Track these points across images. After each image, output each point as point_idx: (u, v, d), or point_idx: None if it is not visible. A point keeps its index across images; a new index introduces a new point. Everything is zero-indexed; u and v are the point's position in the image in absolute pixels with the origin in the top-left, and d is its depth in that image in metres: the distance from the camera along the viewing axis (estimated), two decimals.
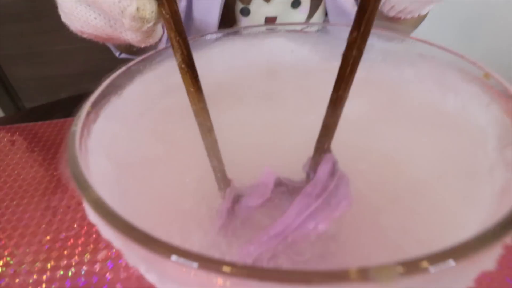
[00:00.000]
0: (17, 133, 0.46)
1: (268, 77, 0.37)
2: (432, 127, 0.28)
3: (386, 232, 0.20)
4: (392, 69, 0.33)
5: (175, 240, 0.19)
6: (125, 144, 0.26)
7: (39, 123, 0.48)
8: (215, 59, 0.36)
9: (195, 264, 0.12)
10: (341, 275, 0.11)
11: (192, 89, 0.23)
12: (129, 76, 0.29)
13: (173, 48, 0.24)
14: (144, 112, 0.30)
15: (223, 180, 0.24)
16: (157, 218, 0.21)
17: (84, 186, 0.15)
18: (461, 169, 0.23)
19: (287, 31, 0.37)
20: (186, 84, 0.23)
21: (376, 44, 0.33)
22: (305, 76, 0.37)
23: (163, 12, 0.22)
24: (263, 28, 0.37)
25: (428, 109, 0.29)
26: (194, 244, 0.20)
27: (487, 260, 0.15)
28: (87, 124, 0.22)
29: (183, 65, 0.24)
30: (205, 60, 0.36)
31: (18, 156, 0.41)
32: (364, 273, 0.11)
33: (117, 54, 0.53)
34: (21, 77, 1.57)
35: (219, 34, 0.35)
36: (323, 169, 0.20)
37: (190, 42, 0.28)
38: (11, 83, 1.58)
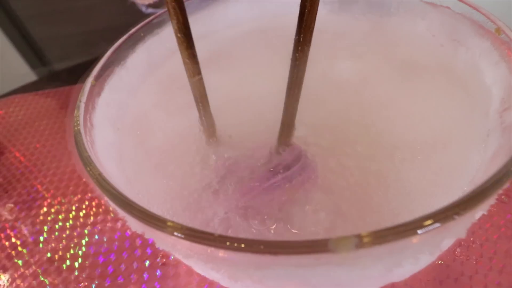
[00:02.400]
0: (48, 98, 0.49)
1: (273, 34, 0.36)
2: (441, 85, 0.26)
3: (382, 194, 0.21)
4: (404, 21, 0.31)
5: (168, 189, 0.21)
6: (131, 112, 0.28)
7: (68, 87, 0.51)
8: (217, 18, 0.35)
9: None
10: (301, 246, 0.12)
11: (187, 61, 0.23)
12: (131, 44, 0.29)
13: (169, 14, 0.23)
14: (148, 78, 0.31)
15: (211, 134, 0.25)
16: (157, 179, 0.23)
17: (88, 165, 0.17)
18: (459, 132, 0.22)
19: None
20: (182, 55, 0.24)
21: None
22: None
23: None
24: None
25: (438, 65, 0.27)
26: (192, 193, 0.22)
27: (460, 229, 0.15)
28: (91, 99, 0.23)
29: (179, 34, 0.24)
30: (207, 20, 0.35)
31: (45, 122, 0.45)
32: (323, 244, 0.12)
33: (143, 9, 0.53)
34: (45, 36, 1.60)
35: None
36: (287, 157, 0.21)
37: (189, 3, 0.27)
38: (38, 43, 1.62)
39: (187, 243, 0.14)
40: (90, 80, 0.24)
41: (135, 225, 0.17)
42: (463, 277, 0.23)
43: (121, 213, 0.17)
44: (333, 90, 0.27)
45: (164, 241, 0.16)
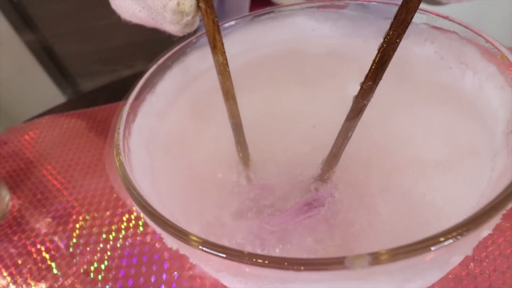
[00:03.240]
0: (76, 118, 0.53)
1: (290, 57, 0.38)
2: (450, 106, 0.28)
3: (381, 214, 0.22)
4: (414, 44, 0.32)
5: (207, 211, 0.23)
6: (161, 135, 0.30)
7: (96, 108, 0.55)
8: (236, 44, 0.38)
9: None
10: (321, 263, 0.14)
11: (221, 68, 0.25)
12: (159, 73, 0.32)
13: (209, 40, 0.25)
14: (175, 103, 0.33)
15: (243, 154, 0.27)
16: (190, 194, 0.25)
17: (130, 189, 0.19)
18: (468, 152, 0.24)
19: (307, 8, 0.38)
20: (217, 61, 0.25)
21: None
22: (327, 54, 0.37)
23: (201, 5, 0.24)
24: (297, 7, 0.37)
25: (446, 87, 0.29)
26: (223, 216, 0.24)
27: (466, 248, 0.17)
28: (127, 125, 0.26)
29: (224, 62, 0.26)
30: (226, 47, 0.38)
31: (77, 141, 0.48)
32: (340, 262, 0.14)
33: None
34: (69, 53, 1.68)
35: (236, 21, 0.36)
36: (323, 193, 0.23)
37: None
38: (62, 60, 1.70)
39: (219, 260, 0.16)
40: (126, 108, 0.27)
41: (171, 242, 0.19)
42: None
43: (158, 230, 0.19)
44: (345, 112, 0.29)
45: (197, 257, 0.18)
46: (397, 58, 0.32)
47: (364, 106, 0.21)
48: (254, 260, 0.15)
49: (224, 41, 0.38)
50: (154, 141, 0.29)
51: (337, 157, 0.24)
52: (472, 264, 0.25)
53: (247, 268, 0.16)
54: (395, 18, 0.18)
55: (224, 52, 0.24)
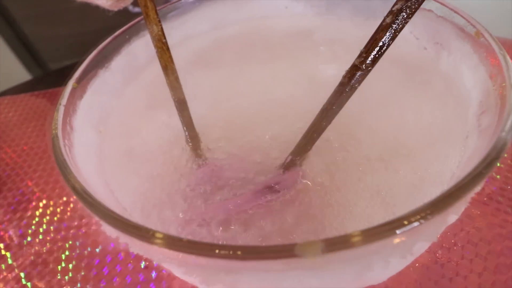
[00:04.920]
0: (38, 99, 0.49)
1: (261, 36, 0.36)
2: (424, 88, 0.27)
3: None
4: None
5: (146, 192, 0.21)
6: (115, 115, 0.27)
7: (61, 88, 0.51)
8: (205, 19, 0.35)
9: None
10: (269, 251, 0.12)
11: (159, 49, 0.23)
12: (116, 46, 0.29)
13: (141, 8, 0.23)
14: (134, 81, 0.31)
15: (190, 133, 0.25)
16: (140, 177, 0.23)
17: (63, 169, 0.17)
18: (442, 134, 0.22)
19: None
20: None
21: None
22: (299, 33, 0.35)
23: None
24: None
25: (421, 68, 0.28)
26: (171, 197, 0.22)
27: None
28: (72, 101, 0.23)
29: (159, 33, 0.24)
30: (194, 21, 0.35)
31: (40, 122, 0.44)
32: (290, 249, 0.12)
33: (130, 8, 0.53)
34: (41, 37, 1.59)
35: None
36: (286, 179, 0.21)
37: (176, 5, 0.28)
38: (33, 43, 1.61)
39: (158, 249, 0.14)
40: (71, 83, 0.24)
41: (109, 230, 0.17)
42: (444, 279, 0.23)
43: (95, 218, 0.17)
44: (317, 92, 0.27)
45: (137, 246, 0.16)
46: (368, 38, 0.30)
47: (354, 90, 0.19)
48: (194, 248, 0.13)
49: (191, 17, 0.36)
50: (106, 121, 0.26)
51: (312, 142, 0.22)
52: (440, 252, 0.24)
53: (187, 258, 0.14)
54: None
55: (159, 21, 0.22)
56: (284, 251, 0.12)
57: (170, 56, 0.23)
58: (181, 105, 0.24)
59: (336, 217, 0.19)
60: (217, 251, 0.13)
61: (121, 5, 0.26)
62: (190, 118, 0.24)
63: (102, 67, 0.28)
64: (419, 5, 0.17)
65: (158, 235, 0.14)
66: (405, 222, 0.13)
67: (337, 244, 0.12)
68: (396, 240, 0.13)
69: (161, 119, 0.28)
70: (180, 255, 0.13)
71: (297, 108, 0.28)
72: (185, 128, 0.24)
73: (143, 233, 0.14)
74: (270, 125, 0.27)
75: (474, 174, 0.14)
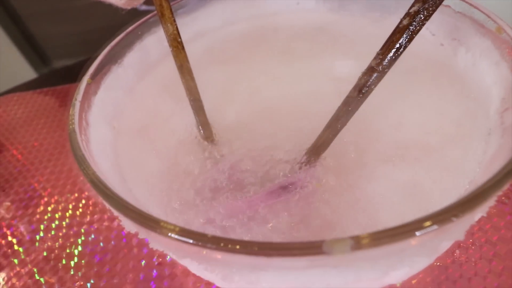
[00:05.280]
0: (47, 96, 0.49)
1: (272, 32, 0.35)
2: (442, 85, 0.26)
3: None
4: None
5: (163, 189, 0.21)
6: (128, 111, 0.27)
7: (67, 85, 0.51)
8: (216, 16, 0.35)
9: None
10: (296, 248, 0.12)
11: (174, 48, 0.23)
12: (128, 43, 0.29)
13: (156, 7, 0.23)
14: (146, 77, 0.30)
15: (205, 133, 0.25)
16: (155, 174, 0.23)
17: (82, 165, 0.17)
18: (460, 133, 0.22)
19: None
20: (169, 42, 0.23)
21: None
22: (311, 29, 0.35)
23: None
24: None
25: (438, 64, 0.27)
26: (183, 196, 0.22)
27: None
28: (87, 97, 0.23)
29: (175, 33, 0.24)
30: (205, 17, 0.35)
31: (43, 120, 0.44)
32: (318, 246, 0.12)
33: (137, 6, 0.52)
34: (47, 35, 1.60)
35: None
36: (301, 178, 0.21)
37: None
38: (38, 41, 1.61)
39: (180, 244, 0.14)
40: (86, 79, 0.24)
41: (128, 225, 0.17)
42: (462, 279, 0.23)
43: (115, 212, 0.17)
44: (330, 89, 0.27)
45: (158, 242, 0.16)
46: (383, 35, 0.30)
47: (371, 91, 0.19)
48: (219, 244, 0.13)
49: (202, 13, 0.35)
50: (120, 117, 0.26)
51: (327, 142, 0.22)
52: (457, 252, 0.24)
53: (212, 254, 0.13)
54: None
55: (174, 21, 0.22)
56: (312, 248, 0.12)
57: (186, 56, 0.23)
58: (197, 105, 0.23)
59: (356, 216, 0.19)
60: (243, 247, 0.12)
61: (134, 4, 0.25)
62: (205, 117, 0.24)
63: (115, 63, 0.28)
64: (437, 7, 0.17)
65: (182, 230, 0.13)
66: (436, 220, 0.12)
67: (366, 241, 0.12)
68: (425, 238, 0.13)
69: (174, 115, 0.28)
70: (205, 251, 0.13)
71: (310, 105, 0.28)
72: (200, 127, 0.24)
73: (167, 228, 0.14)
74: (283, 123, 0.26)
75: (505, 172, 0.14)
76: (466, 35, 0.25)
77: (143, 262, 0.28)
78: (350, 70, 0.29)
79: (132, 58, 0.29)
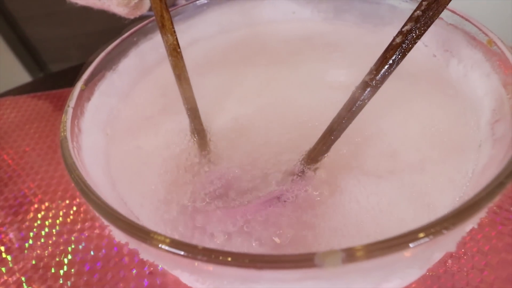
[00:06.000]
0: (40, 101, 0.49)
1: (268, 40, 0.36)
2: (434, 96, 0.26)
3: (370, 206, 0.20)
4: (397, 30, 0.31)
5: (155, 197, 0.21)
6: (122, 117, 0.27)
7: (60, 90, 0.50)
8: (212, 23, 0.35)
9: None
10: (287, 260, 0.12)
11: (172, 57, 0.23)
12: (123, 49, 0.29)
13: (156, 18, 0.23)
14: (140, 83, 0.30)
15: (201, 141, 0.25)
16: (148, 181, 0.22)
17: (71, 169, 0.17)
18: (451, 144, 0.22)
19: None
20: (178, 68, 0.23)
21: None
22: (306, 38, 0.35)
23: None
24: None
25: (430, 75, 0.28)
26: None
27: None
28: (80, 103, 0.23)
29: (174, 43, 0.24)
30: (202, 24, 0.35)
31: (35, 124, 0.44)
32: (310, 259, 0.12)
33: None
34: (42, 38, 1.59)
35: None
36: (295, 187, 0.21)
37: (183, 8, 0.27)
38: (34, 45, 1.61)
39: (171, 256, 0.14)
40: (79, 85, 0.24)
41: (119, 235, 0.17)
42: None
43: (105, 222, 0.16)
44: (325, 98, 0.27)
45: (148, 253, 0.16)
46: (377, 45, 0.30)
47: (364, 105, 0.19)
48: (210, 256, 0.13)
49: (198, 20, 0.36)
50: (113, 124, 0.26)
51: (321, 154, 0.22)
52: (450, 261, 0.24)
53: (203, 266, 0.13)
54: (423, 13, 0.16)
55: (174, 31, 0.22)
56: (303, 261, 0.12)
57: (184, 65, 0.23)
58: (193, 113, 0.23)
59: (348, 227, 0.19)
60: (234, 259, 0.12)
61: (137, 14, 0.26)
62: (201, 125, 0.24)
63: (109, 69, 0.27)
64: (428, 26, 0.17)
65: (173, 242, 0.13)
66: (427, 233, 0.12)
67: (358, 253, 0.12)
68: (417, 250, 0.13)
69: (169, 121, 0.27)
70: (196, 263, 0.13)
71: (303, 113, 0.28)
72: (195, 135, 0.24)
73: (157, 240, 0.13)
74: (278, 131, 0.26)
75: (496, 183, 0.14)
76: (458, 47, 0.25)
77: (134, 271, 0.27)
78: (344, 79, 0.30)
79: (128, 64, 0.29)
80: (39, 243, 0.30)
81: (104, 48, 0.28)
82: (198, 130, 0.24)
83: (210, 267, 0.13)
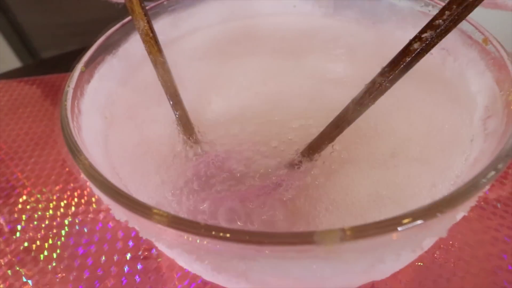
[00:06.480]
0: (34, 85, 0.48)
1: (268, 33, 0.36)
2: (430, 92, 0.27)
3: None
4: (396, 28, 0.32)
5: (153, 181, 0.21)
6: (121, 101, 0.27)
7: (55, 75, 0.50)
8: (213, 13, 0.35)
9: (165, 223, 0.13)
10: (287, 237, 0.12)
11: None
12: (124, 33, 0.29)
13: (126, 2, 0.22)
14: (140, 68, 0.30)
15: (185, 127, 0.25)
16: (145, 165, 0.23)
17: (74, 150, 0.17)
18: (448, 136, 0.23)
19: None
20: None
21: None
22: (306, 32, 0.35)
23: None
24: None
25: (427, 72, 0.28)
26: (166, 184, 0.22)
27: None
28: (80, 85, 0.23)
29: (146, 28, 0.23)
30: (202, 14, 0.35)
31: (29, 109, 0.43)
32: (309, 236, 0.12)
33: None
34: (34, 25, 1.56)
35: None
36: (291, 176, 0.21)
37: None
38: (26, 31, 1.57)
39: (172, 232, 0.14)
40: (80, 67, 0.23)
41: (119, 213, 0.17)
42: (441, 279, 0.23)
43: (106, 200, 0.16)
44: (321, 91, 0.27)
45: (149, 230, 0.16)
46: (377, 42, 0.30)
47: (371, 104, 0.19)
48: (211, 232, 0.13)
49: (200, 9, 0.36)
50: (112, 107, 0.26)
51: (321, 147, 0.22)
52: (438, 253, 0.25)
53: (204, 242, 0.14)
54: (444, 21, 0.17)
55: (145, 16, 0.22)
56: (303, 237, 0.12)
57: (159, 50, 0.23)
58: (174, 99, 0.24)
59: (343, 215, 0.20)
60: (234, 235, 0.13)
61: None
62: (184, 110, 0.24)
63: (109, 53, 0.27)
64: (446, 34, 0.18)
65: (175, 218, 0.13)
66: (421, 215, 0.13)
67: (355, 233, 0.12)
68: (411, 232, 0.13)
69: (165, 108, 0.27)
70: (198, 238, 0.13)
71: (297, 105, 0.28)
72: (179, 121, 0.24)
73: (159, 215, 0.14)
74: (273, 122, 0.27)
75: (485, 174, 0.14)
76: (454, 45, 0.26)
77: (128, 256, 0.27)
78: (342, 74, 0.30)
79: (127, 49, 0.29)
80: (31, 225, 0.30)
81: (105, 32, 0.28)
82: (181, 116, 0.24)
83: (211, 244, 0.13)
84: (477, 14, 0.21)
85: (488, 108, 0.21)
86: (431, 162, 0.21)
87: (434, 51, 0.28)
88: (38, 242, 0.29)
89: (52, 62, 0.64)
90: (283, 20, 0.35)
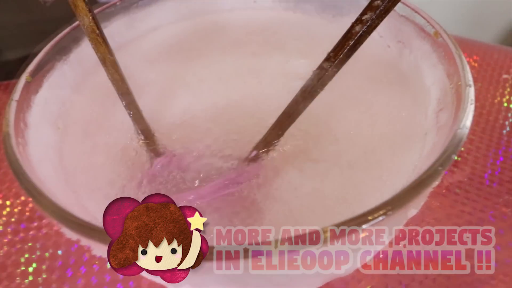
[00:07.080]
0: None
1: (228, 29, 0.35)
2: (387, 86, 0.27)
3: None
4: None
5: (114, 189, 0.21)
6: (76, 110, 0.26)
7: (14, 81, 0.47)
8: (171, 11, 0.34)
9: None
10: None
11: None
12: (74, 38, 0.28)
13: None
14: (94, 73, 0.29)
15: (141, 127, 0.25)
16: (103, 175, 0.22)
17: (17, 172, 0.16)
18: (403, 130, 0.23)
19: None
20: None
21: None
22: (267, 27, 0.35)
23: None
24: None
25: (385, 65, 0.28)
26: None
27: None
28: (26, 96, 0.22)
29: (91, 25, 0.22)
30: (160, 12, 0.34)
31: None
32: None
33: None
34: None
35: None
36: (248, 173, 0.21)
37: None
38: None
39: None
40: (25, 76, 0.22)
41: (69, 233, 0.16)
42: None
43: (53, 220, 0.16)
44: (283, 88, 0.27)
45: (101, 249, 0.16)
46: (336, 35, 0.30)
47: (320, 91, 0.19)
48: None
49: (157, 8, 0.34)
50: (65, 117, 0.25)
51: (275, 138, 0.22)
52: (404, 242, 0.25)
53: None
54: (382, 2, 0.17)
55: (89, 12, 0.21)
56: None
57: (107, 47, 0.22)
58: (126, 98, 0.23)
59: (301, 211, 0.20)
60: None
61: None
62: (138, 110, 0.23)
63: (59, 60, 0.26)
64: (386, 15, 0.18)
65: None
66: (369, 218, 0.13)
67: (307, 239, 0.12)
68: (362, 234, 0.13)
69: (124, 113, 0.27)
70: None
71: (259, 102, 0.28)
72: (134, 121, 0.23)
73: (106, 237, 0.13)
74: (232, 120, 0.26)
75: (431, 171, 0.15)
76: (409, 38, 0.26)
77: (95, 267, 0.27)
78: (302, 68, 0.30)
79: (79, 53, 0.28)
80: None
81: (53, 37, 0.26)
82: (135, 116, 0.23)
83: None
84: None
85: (440, 101, 0.22)
86: (386, 157, 0.21)
87: (391, 43, 0.29)
88: (1, 259, 0.28)
89: (14, 65, 0.61)
90: (243, 16, 0.35)
